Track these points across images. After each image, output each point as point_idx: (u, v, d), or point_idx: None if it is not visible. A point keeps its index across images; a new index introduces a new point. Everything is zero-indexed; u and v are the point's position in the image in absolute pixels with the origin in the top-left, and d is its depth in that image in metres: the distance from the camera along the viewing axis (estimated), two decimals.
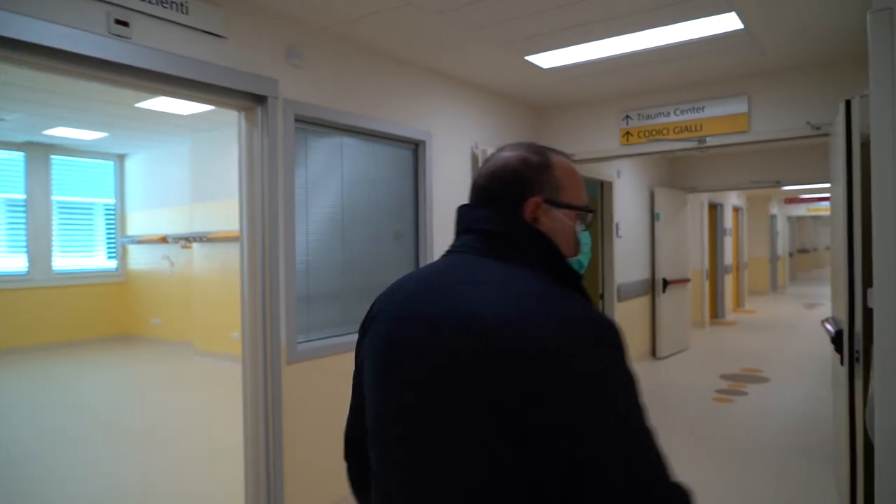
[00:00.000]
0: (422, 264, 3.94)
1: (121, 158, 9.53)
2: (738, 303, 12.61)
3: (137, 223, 9.39)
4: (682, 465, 4.06)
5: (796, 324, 10.71)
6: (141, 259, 9.39)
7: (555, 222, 0.96)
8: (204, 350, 7.87)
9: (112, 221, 9.56)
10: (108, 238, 9.55)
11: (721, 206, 11.05)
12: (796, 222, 21.02)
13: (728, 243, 11.54)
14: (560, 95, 4.81)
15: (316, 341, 3.25)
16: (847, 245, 3.03)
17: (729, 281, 11.66)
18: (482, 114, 4.55)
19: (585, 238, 1.00)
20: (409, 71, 3.83)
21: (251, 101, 2.85)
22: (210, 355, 7.73)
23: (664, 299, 7.60)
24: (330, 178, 3.36)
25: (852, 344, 3.01)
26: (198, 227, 7.90)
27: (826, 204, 16.17)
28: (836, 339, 3.11)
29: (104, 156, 9.34)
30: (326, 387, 3.24)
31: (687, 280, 8.28)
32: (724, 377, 6.51)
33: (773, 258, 16.16)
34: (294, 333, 3.05)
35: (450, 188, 4.17)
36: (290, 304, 3.00)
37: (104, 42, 2.28)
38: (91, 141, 8.29)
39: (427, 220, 3.92)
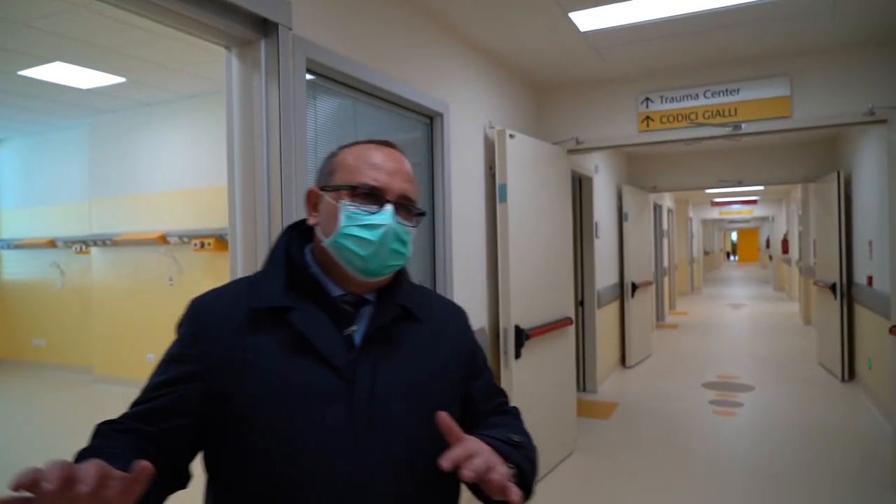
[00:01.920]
0: (438, 272, 3.10)
1: None
2: (671, 304, 12.66)
3: (13, 223, 7.73)
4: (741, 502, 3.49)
5: (731, 325, 10.79)
6: (18, 267, 7.73)
7: (325, 208, 1.03)
8: (107, 375, 6.49)
9: None
10: None
11: (661, 207, 10.95)
12: (703, 226, 21.94)
13: (665, 245, 11.50)
14: (578, 71, 4.14)
15: None
16: None
17: (666, 283, 11.62)
18: (495, 90, 3.78)
19: (348, 215, 1.00)
20: (429, 25, 2.99)
21: (253, 29, 1.91)
22: (116, 381, 6.37)
23: (633, 304, 7.18)
24: None
25: None
26: (98, 229, 6.52)
27: (739, 207, 16.83)
28: None
29: None
30: None
31: (650, 283, 7.95)
32: (708, 386, 6.14)
33: (691, 260, 16.60)
34: None
35: (465, 176, 3.36)
36: None
37: None
38: None
39: (446, 218, 3.09)
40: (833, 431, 4.67)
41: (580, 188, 6.01)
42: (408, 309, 1.06)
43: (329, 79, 2.32)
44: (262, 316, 0.97)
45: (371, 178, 1.00)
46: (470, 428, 1.04)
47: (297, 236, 1.09)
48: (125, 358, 6.33)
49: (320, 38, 2.19)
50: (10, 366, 7.67)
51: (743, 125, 3.86)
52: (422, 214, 1.08)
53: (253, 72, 1.94)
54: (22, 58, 4.62)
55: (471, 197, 3.43)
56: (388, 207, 1.00)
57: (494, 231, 3.62)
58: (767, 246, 24.37)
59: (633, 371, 7.00)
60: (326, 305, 1.01)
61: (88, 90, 5.56)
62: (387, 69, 2.60)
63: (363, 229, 0.98)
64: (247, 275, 1.15)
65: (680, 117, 4.03)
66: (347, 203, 1.00)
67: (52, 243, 7.13)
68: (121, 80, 5.26)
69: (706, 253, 23.95)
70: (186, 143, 5.93)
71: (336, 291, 1.03)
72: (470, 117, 3.42)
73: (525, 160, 3.71)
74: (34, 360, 7.54)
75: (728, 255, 39.81)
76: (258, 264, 1.90)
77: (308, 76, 2.17)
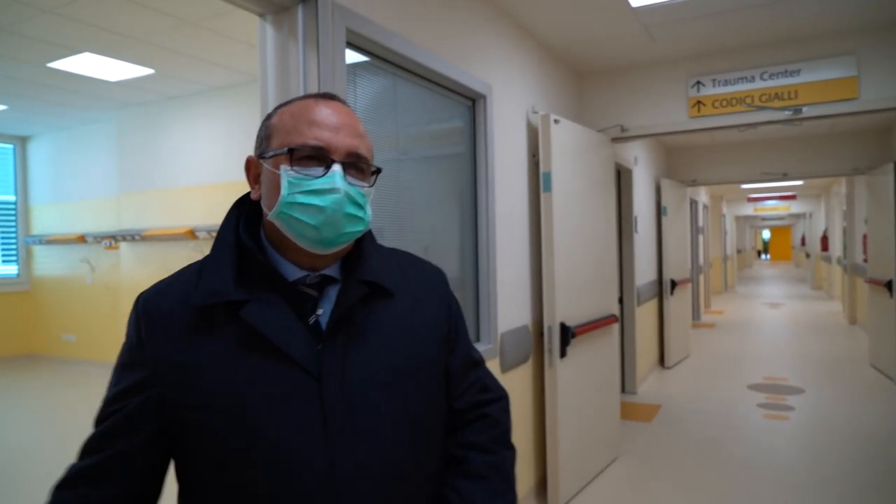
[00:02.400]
0: (482, 267, 2.91)
1: (23, 141, 7.84)
2: (706, 303, 12.28)
3: (45, 219, 7.75)
4: None
5: (770, 324, 10.40)
6: (50, 263, 7.75)
7: (266, 177, 0.92)
8: None
9: (11, 217, 7.86)
10: (6, 238, 7.84)
11: (696, 202, 10.60)
12: (736, 223, 21.37)
13: (701, 242, 11.14)
14: (624, 54, 3.91)
15: None
16: None
17: (701, 281, 11.27)
18: (537, 73, 3.56)
19: (290, 181, 0.87)
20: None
21: None
22: None
23: (672, 302, 6.90)
24: (382, 141, 2.28)
25: None
26: (127, 224, 6.47)
27: (775, 203, 16.32)
28: None
29: (0, 137, 7.64)
30: None
31: (689, 281, 7.66)
32: (754, 388, 5.85)
33: (724, 258, 16.14)
34: None
35: (508, 163, 3.16)
36: None
37: None
38: None
39: (489, 208, 2.90)
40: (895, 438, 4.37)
41: (619, 180, 5.76)
42: (375, 284, 0.94)
43: (369, 52, 2.14)
44: (213, 311, 0.86)
45: (312, 136, 0.88)
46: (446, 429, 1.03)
47: (247, 213, 0.97)
48: None
49: (360, 7, 2.01)
50: (40, 361, 7.69)
51: (804, 109, 3.60)
52: (377, 172, 0.95)
53: (289, 40, 1.76)
54: (50, 48, 4.55)
55: (513, 186, 3.23)
56: (336, 168, 0.88)
57: (538, 222, 3.42)
58: (803, 243, 23.68)
59: (673, 372, 6.73)
60: (284, 292, 0.90)
61: (117, 83, 5.49)
62: (428, 45, 2.41)
63: (309, 195, 0.86)
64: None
65: (734, 101, 3.77)
66: (288, 168, 0.87)
67: (81, 239, 7.11)
68: (149, 71, 5.17)
69: (738, 251, 23.35)
70: (215, 137, 5.83)
71: (294, 274, 0.92)
72: (512, 101, 3.22)
73: (569, 148, 3.50)
74: (64, 356, 7.55)
75: (759, 253, 38.88)
76: None
77: (351, 49, 2.00)
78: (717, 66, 3.84)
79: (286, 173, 0.87)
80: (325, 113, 0.90)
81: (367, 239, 0.98)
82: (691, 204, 10.40)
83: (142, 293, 0.91)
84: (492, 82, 2.94)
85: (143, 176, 6.36)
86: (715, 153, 7.77)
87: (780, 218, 24.87)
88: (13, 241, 7.85)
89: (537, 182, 3.43)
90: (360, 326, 0.91)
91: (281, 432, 0.83)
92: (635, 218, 5.83)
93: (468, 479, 0.98)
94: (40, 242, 7.59)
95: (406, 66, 2.33)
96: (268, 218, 0.90)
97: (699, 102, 3.88)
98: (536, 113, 3.38)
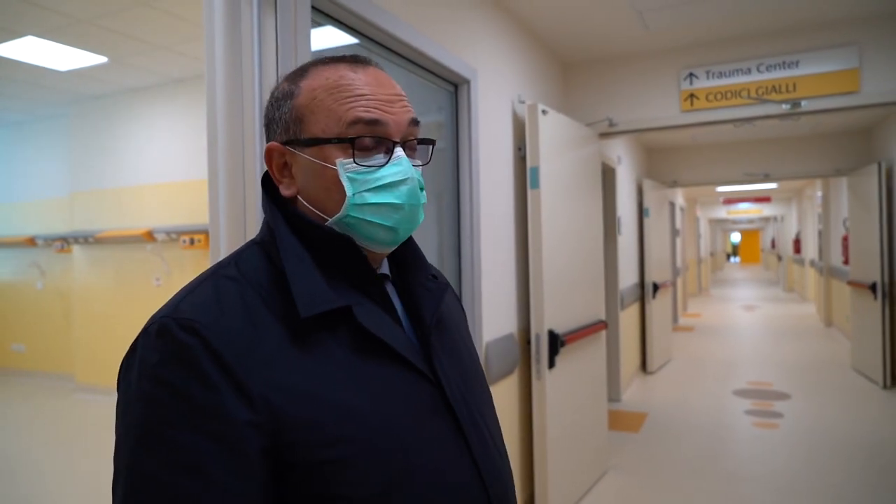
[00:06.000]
0: (465, 271, 2.63)
1: None
2: (683, 306, 12.20)
3: None
4: None
5: (748, 327, 10.34)
6: None
7: (305, 171, 0.75)
8: (88, 384, 6.00)
9: None
10: None
11: (673, 204, 10.49)
12: (708, 225, 21.50)
13: (678, 245, 11.04)
14: (614, 43, 3.67)
15: None
16: None
17: (679, 284, 11.17)
18: (523, 62, 3.29)
19: (351, 178, 0.72)
20: None
21: None
22: (97, 391, 5.88)
23: (654, 306, 6.72)
24: None
25: None
26: (80, 225, 6.04)
27: (748, 206, 16.40)
28: None
29: None
30: None
31: (670, 284, 7.49)
32: (740, 394, 5.68)
33: (699, 260, 16.15)
34: None
35: (493, 158, 2.89)
36: None
37: None
38: None
39: (473, 207, 2.62)
40: (890, 444, 4.21)
41: (603, 180, 5.54)
42: (447, 282, 0.87)
43: (336, 20, 1.84)
44: (308, 325, 0.68)
45: (367, 117, 0.72)
46: None
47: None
48: (108, 366, 5.83)
49: None
50: None
51: (803, 102, 3.41)
52: (432, 143, 0.81)
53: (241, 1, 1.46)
54: None
55: (499, 182, 2.96)
56: (399, 152, 0.74)
57: (524, 222, 3.16)
58: (773, 246, 23.98)
59: (656, 377, 6.54)
60: (370, 289, 0.76)
61: (68, 72, 5.08)
62: (408, 19, 2.13)
63: (380, 192, 0.73)
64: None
65: (729, 94, 3.57)
66: (345, 161, 0.72)
67: (31, 241, 6.63)
68: (102, 59, 4.78)
69: (711, 254, 23.53)
70: (175, 132, 5.46)
71: None
72: (498, 89, 2.95)
73: (557, 141, 3.25)
74: (15, 368, 7.04)
75: (728, 256, 39.37)
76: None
77: (317, 19, 1.70)
78: (712, 56, 3.63)
79: (344, 167, 0.72)
80: (372, 84, 0.74)
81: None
82: (670, 206, 10.29)
83: (182, 319, 0.64)
84: (477, 67, 2.66)
85: (98, 173, 5.95)
86: (696, 154, 7.64)
87: (751, 221, 25.17)
88: None
89: (524, 178, 3.17)
90: (446, 326, 0.83)
91: (431, 448, 0.71)
92: (619, 219, 5.63)
93: None
94: None
95: (380, 40, 2.05)
96: (328, 224, 0.75)
97: (692, 95, 3.67)
98: (523, 103, 3.12)
